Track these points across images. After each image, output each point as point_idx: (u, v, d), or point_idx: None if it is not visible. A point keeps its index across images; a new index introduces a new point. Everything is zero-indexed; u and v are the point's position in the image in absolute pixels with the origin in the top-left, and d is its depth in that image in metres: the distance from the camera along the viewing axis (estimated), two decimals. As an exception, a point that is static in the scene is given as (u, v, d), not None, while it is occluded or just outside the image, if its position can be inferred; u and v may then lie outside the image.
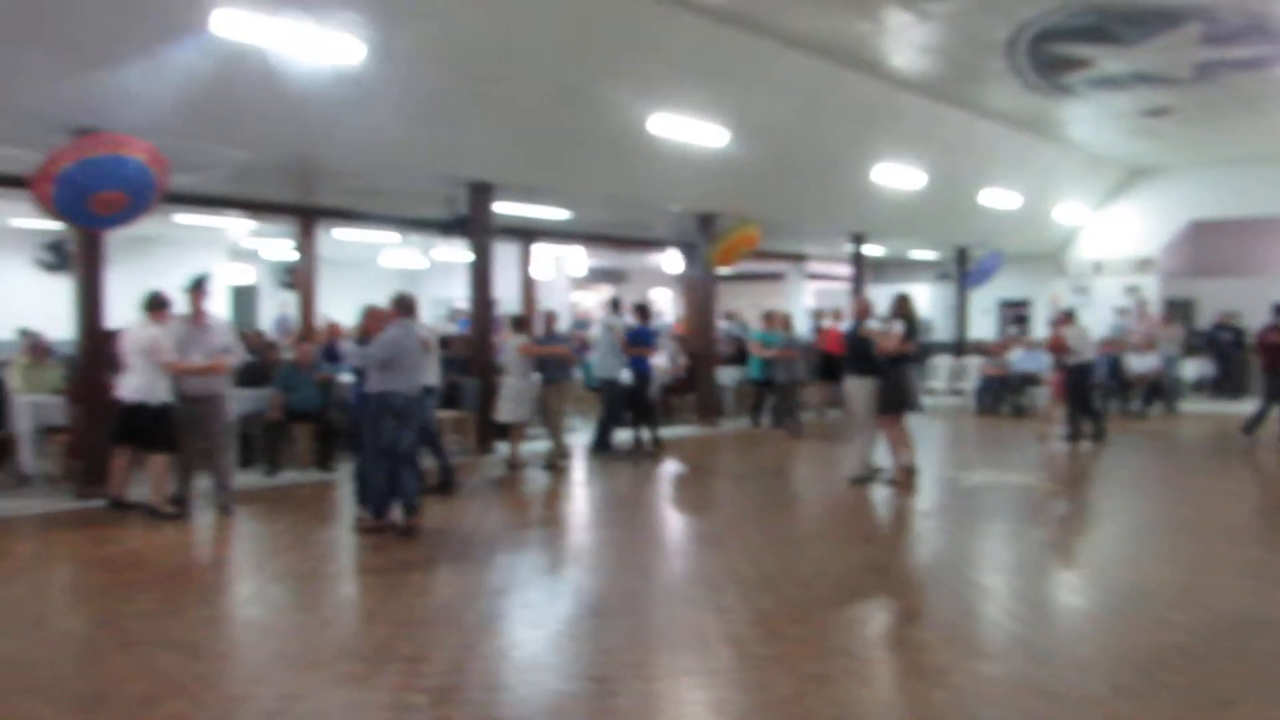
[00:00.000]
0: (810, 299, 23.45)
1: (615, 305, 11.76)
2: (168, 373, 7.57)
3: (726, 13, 10.40)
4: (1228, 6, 10.21)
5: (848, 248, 17.60)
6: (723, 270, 14.65)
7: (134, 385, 7.51)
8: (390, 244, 19.79)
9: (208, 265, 20.42)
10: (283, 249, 19.82)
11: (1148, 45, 11.46)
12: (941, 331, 21.06)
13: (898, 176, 15.00)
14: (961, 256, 19.79)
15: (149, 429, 7.55)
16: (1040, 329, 20.92)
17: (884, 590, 5.93)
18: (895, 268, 23.30)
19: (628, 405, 11.28)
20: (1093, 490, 9.85)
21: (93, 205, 7.44)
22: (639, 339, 11.31)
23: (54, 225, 16.58)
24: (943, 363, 18.31)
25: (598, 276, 26.31)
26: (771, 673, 4.41)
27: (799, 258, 22.13)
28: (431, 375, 8.47)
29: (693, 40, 10.66)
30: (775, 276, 23.40)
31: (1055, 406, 12.81)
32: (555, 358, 10.31)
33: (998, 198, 17.47)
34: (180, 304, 7.90)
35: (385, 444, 6.96)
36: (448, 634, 4.91)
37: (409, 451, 7.10)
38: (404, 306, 7.33)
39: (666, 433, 13.02)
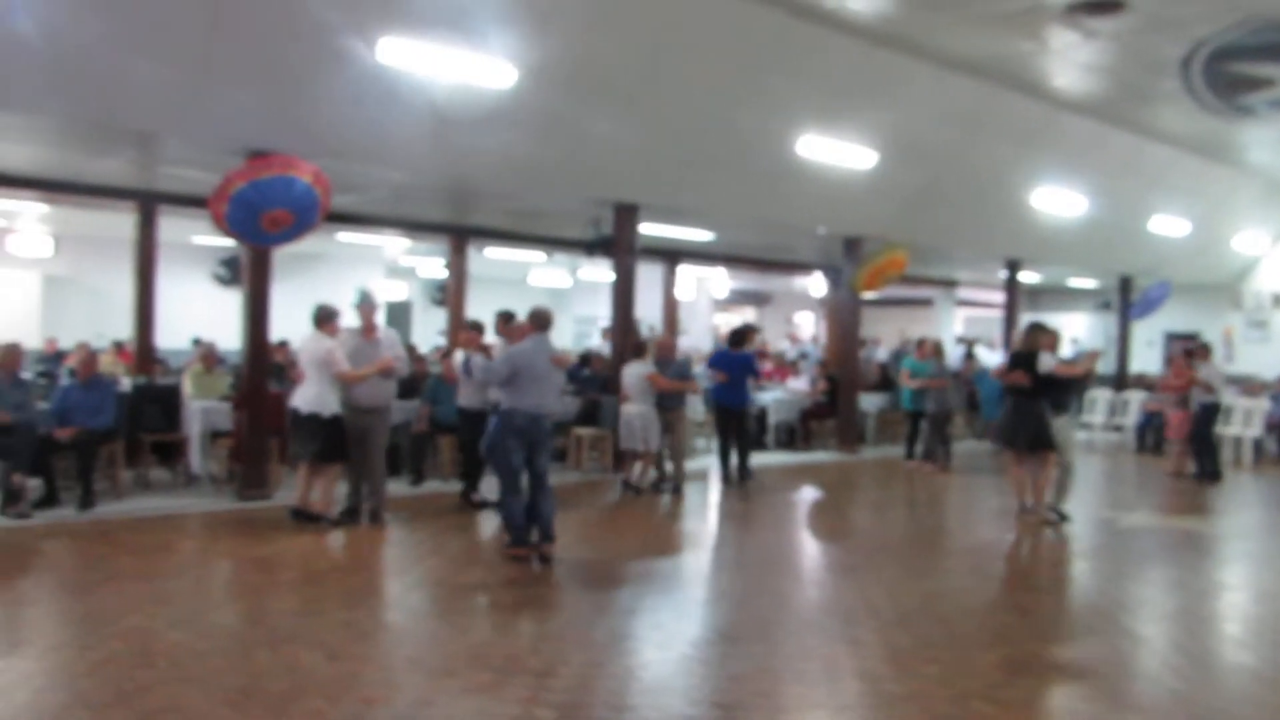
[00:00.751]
0: (960, 326, 22.75)
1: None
2: (343, 384, 7.65)
3: (882, 35, 10.21)
4: None
5: (1001, 274, 16.95)
6: (868, 295, 14.33)
7: (308, 396, 7.62)
8: (538, 263, 20.26)
9: (365, 281, 21.48)
10: (436, 267, 20.62)
11: (1338, 63, 10.66)
12: (1101, 364, 20.00)
13: (1059, 201, 14.36)
14: (1125, 286, 18.79)
15: (323, 439, 7.61)
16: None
17: (1030, 634, 5.63)
18: (1052, 295, 22.35)
19: (726, 432, 10.85)
20: (1256, 535, 9.13)
21: (262, 224, 7.89)
22: (722, 364, 10.78)
23: (228, 242, 17.85)
24: (1102, 396, 17.39)
25: (741, 298, 26.25)
26: (903, 712, 4.25)
27: (949, 283, 21.51)
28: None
29: (845, 62, 10.51)
30: (923, 302, 22.82)
31: (1180, 445, 12.33)
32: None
33: (1167, 225, 16.51)
34: (347, 318, 8.09)
35: (507, 465, 6.76)
36: (576, 650, 4.93)
37: (541, 475, 6.86)
38: (539, 321, 7.09)
39: (804, 458, 12.84)
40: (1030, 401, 8.72)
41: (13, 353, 8.29)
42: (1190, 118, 13.17)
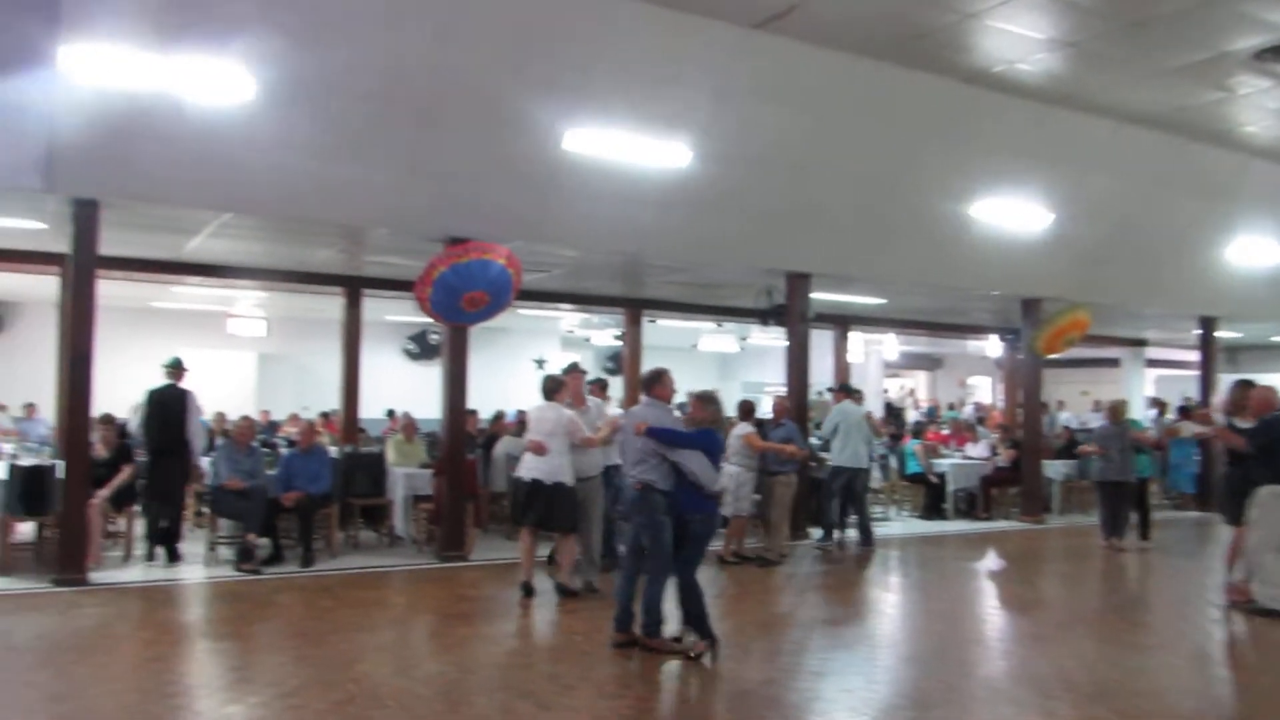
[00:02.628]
0: (1150, 387, 21.64)
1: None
2: (584, 448, 7.66)
3: (1055, 95, 10.18)
4: None
5: (1195, 332, 16.12)
6: (1054, 355, 13.92)
7: (548, 466, 7.47)
8: (707, 330, 20.66)
9: (543, 353, 22.50)
10: (607, 336, 21.35)
11: None
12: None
13: (1260, 253, 13.64)
14: (1341, 341, 17.49)
15: (563, 509, 7.51)
16: None
17: (1250, 714, 5.38)
18: (1255, 353, 20.99)
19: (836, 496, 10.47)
20: None
21: (462, 304, 8.55)
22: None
23: (418, 320, 19.17)
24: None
25: (912, 361, 25.84)
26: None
27: (1137, 343, 20.55)
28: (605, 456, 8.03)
29: (1018, 124, 10.52)
30: (1109, 363, 21.85)
31: None
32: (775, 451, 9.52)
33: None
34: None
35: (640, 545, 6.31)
36: (771, 713, 5.07)
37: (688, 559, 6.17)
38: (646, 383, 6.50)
39: (986, 527, 12.52)
40: (1242, 467, 7.83)
41: (247, 426, 9.22)
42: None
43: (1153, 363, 21.57)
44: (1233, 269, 13.93)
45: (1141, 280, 13.86)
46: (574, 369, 8.40)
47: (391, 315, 18.09)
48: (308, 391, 18.01)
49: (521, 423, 12.21)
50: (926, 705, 5.30)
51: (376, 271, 12.09)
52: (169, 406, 9.13)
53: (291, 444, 10.33)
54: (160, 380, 9.27)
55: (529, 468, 7.56)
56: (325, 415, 14.64)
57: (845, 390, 11.05)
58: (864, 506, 10.53)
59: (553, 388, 7.77)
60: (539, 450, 7.48)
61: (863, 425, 10.44)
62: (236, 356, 18.98)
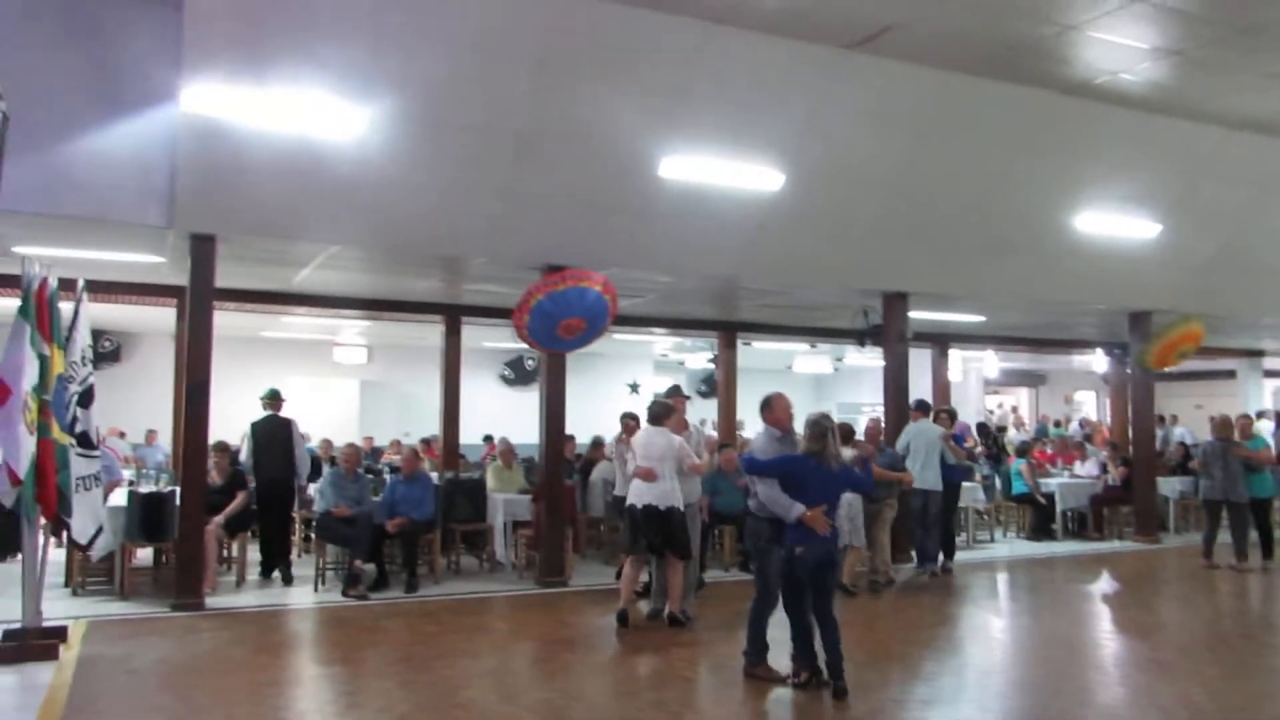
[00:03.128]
0: (1269, 399, 20.67)
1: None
2: (693, 474, 7.71)
3: (1159, 103, 9.85)
4: None
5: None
6: (1167, 368, 13.41)
7: (659, 491, 7.44)
8: (801, 351, 20.51)
9: (637, 377, 22.63)
10: (700, 359, 21.37)
11: None
12: None
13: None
14: None
15: (678, 534, 7.50)
16: None
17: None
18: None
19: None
20: None
21: (559, 331, 8.66)
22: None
23: (514, 345, 19.49)
24: None
25: (1013, 378, 25.23)
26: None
27: (1254, 353, 19.69)
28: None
29: (1121, 134, 10.20)
30: (1225, 374, 20.96)
31: None
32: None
33: None
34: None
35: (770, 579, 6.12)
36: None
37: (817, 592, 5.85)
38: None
39: (1097, 548, 12.11)
40: None
41: (353, 453, 9.51)
42: None
43: (1271, 373, 20.62)
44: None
45: (1255, 289, 13.29)
46: (676, 392, 8.37)
47: (489, 342, 18.43)
48: (408, 417, 18.48)
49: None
50: (1042, 736, 5.15)
51: (475, 299, 12.35)
52: (274, 435, 9.53)
53: (394, 470, 10.58)
54: (260, 411, 9.67)
55: (639, 494, 7.51)
56: (426, 441, 14.97)
57: (922, 408, 10.49)
58: (933, 529, 9.88)
59: (661, 413, 7.72)
60: (649, 476, 7.43)
61: (937, 445, 9.92)
62: (340, 384, 19.58)
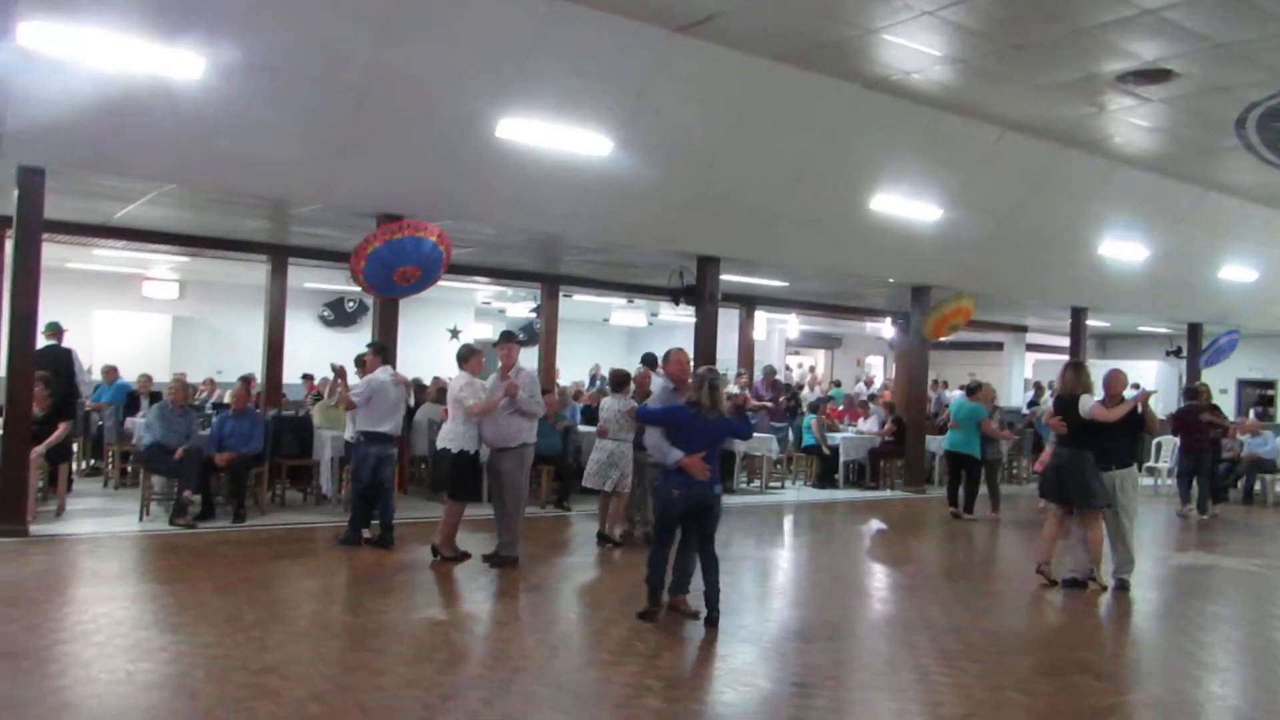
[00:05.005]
0: (1029, 369, 23.20)
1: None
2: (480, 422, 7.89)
3: (947, 102, 11.09)
4: None
5: (1068, 321, 17.52)
6: (940, 338, 15.05)
7: (446, 433, 7.90)
8: (618, 305, 21.41)
9: (458, 323, 22.92)
10: (521, 308, 21.92)
11: (1391, 123, 11.17)
12: (1171, 409, 20.34)
13: (1125, 251, 14.98)
14: (1194, 333, 19.12)
15: (458, 476, 7.83)
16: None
17: (1063, 643, 6.40)
18: (1122, 341, 22.72)
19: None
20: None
21: (394, 278, 9.05)
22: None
23: (334, 287, 19.39)
24: (1168, 442, 17.71)
25: (812, 341, 27.00)
26: (948, 696, 5.09)
27: (1019, 328, 22.03)
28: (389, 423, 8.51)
29: (913, 127, 11.40)
30: (993, 346, 23.34)
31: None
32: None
33: (1236, 273, 16.95)
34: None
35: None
36: (676, 641, 5.87)
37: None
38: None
39: (873, 495, 13.56)
40: (1076, 451, 7.82)
41: (181, 388, 9.61)
42: (1254, 170, 13.63)
43: (1032, 347, 23.13)
44: (1101, 265, 15.25)
45: (1020, 272, 15.09)
46: (509, 338, 8.48)
47: (310, 283, 18.30)
48: (221, 355, 18.14)
49: (443, 389, 12.81)
50: (810, 638, 6.18)
51: (303, 241, 12.44)
52: (54, 366, 9.84)
53: (221, 407, 10.69)
54: (43, 342, 9.84)
55: (440, 436, 7.96)
56: (244, 379, 14.85)
57: (648, 362, 9.89)
58: None
59: (464, 355, 8.14)
60: (444, 416, 7.78)
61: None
62: (151, 319, 18.95)
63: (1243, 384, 21.14)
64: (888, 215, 12.36)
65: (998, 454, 12.68)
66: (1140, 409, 7.88)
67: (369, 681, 4.92)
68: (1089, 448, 7.77)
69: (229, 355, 17.61)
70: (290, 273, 13.27)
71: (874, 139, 11.49)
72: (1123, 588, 7.83)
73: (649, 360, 9.37)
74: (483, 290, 19.82)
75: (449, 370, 14.38)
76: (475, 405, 7.75)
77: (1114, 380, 8.07)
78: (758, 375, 15.32)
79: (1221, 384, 20.75)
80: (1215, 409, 13.75)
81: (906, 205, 12.36)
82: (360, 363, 9.05)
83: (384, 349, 9.12)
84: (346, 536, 8.46)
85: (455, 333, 22.77)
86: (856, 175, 11.92)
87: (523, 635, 6.07)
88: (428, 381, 13.36)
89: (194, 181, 8.86)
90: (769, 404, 14.29)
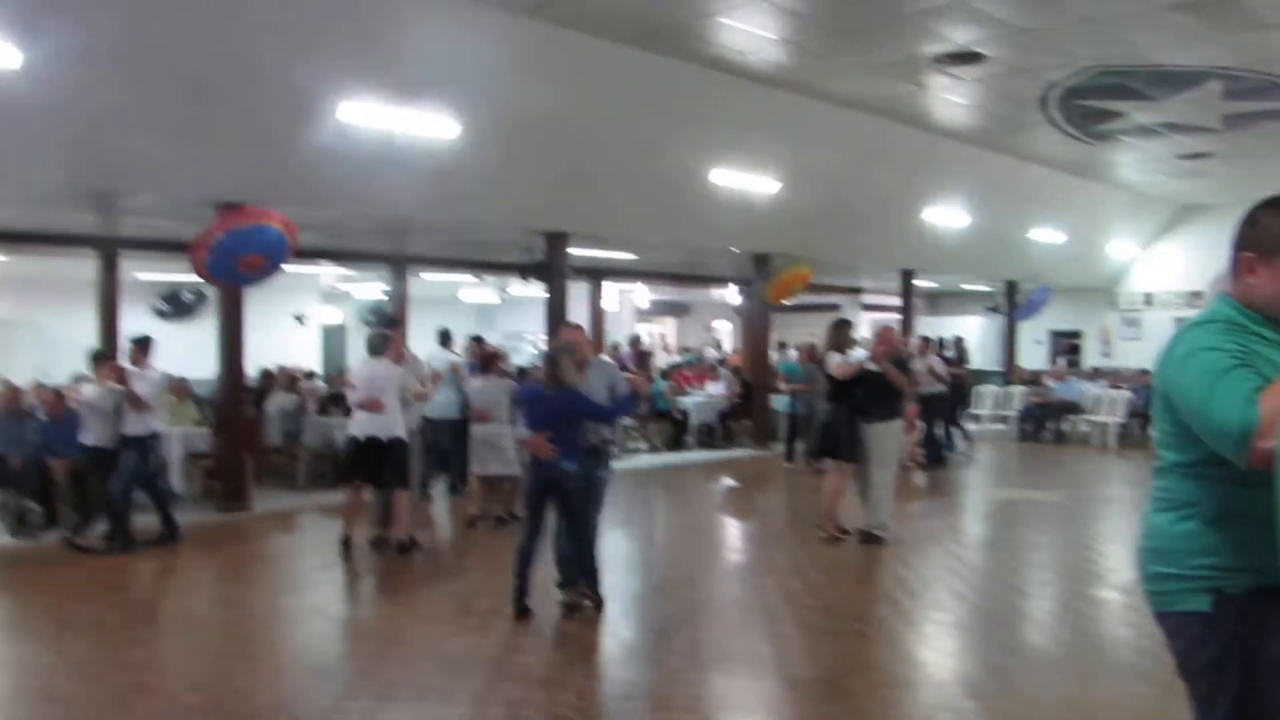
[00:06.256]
0: (865, 330, 24.37)
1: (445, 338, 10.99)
2: (418, 403, 7.93)
3: (781, 80, 11.60)
4: (1242, 68, 11.01)
5: (899, 282, 18.58)
6: (781, 302, 15.74)
7: (385, 423, 7.68)
8: (468, 283, 21.33)
9: (302, 308, 22.33)
10: (369, 290, 21.55)
11: (1174, 100, 12.13)
12: (992, 361, 21.86)
13: (947, 216, 16.02)
14: (1011, 290, 20.56)
15: (397, 464, 7.73)
16: (1093, 359, 21.68)
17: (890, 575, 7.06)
18: (949, 299, 24.16)
19: None
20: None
21: (238, 267, 8.90)
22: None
23: (168, 278, 18.56)
24: (989, 391, 19.02)
25: (662, 309, 27.56)
26: (790, 629, 5.58)
27: (854, 290, 23.12)
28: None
29: (749, 104, 11.86)
30: (832, 308, 24.39)
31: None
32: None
33: (1046, 235, 18.35)
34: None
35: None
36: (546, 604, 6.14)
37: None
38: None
39: (722, 455, 14.15)
40: (834, 406, 7.99)
41: (13, 393, 9.20)
42: (1059, 142, 14.73)
43: (868, 307, 24.33)
44: (925, 229, 16.26)
45: (853, 238, 15.89)
46: (392, 324, 8.59)
47: (141, 274, 17.50)
48: (48, 357, 17.13)
49: (293, 378, 12.64)
50: (668, 589, 6.62)
51: (135, 232, 11.95)
52: None
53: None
54: None
55: (361, 425, 7.74)
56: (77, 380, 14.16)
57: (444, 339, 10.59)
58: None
59: (380, 344, 8.05)
60: (375, 407, 7.64)
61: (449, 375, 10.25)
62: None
63: (1054, 334, 22.89)
64: (729, 188, 12.83)
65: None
66: (880, 368, 7.92)
67: (246, 668, 5.01)
68: (844, 402, 7.90)
69: (56, 356, 16.66)
70: (122, 265, 12.68)
71: (713, 116, 11.91)
72: (868, 540, 7.87)
73: (393, 323, 9.19)
74: (327, 273, 19.41)
75: (296, 358, 14.20)
76: (424, 391, 8.13)
77: (880, 336, 8.26)
78: (624, 348, 15.67)
79: (1036, 335, 22.42)
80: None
81: (746, 179, 12.86)
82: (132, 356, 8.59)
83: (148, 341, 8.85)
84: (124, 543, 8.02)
85: (301, 319, 22.19)
86: (698, 151, 12.32)
87: (398, 613, 6.23)
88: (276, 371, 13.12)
89: (14, 175, 8.42)
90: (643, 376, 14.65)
